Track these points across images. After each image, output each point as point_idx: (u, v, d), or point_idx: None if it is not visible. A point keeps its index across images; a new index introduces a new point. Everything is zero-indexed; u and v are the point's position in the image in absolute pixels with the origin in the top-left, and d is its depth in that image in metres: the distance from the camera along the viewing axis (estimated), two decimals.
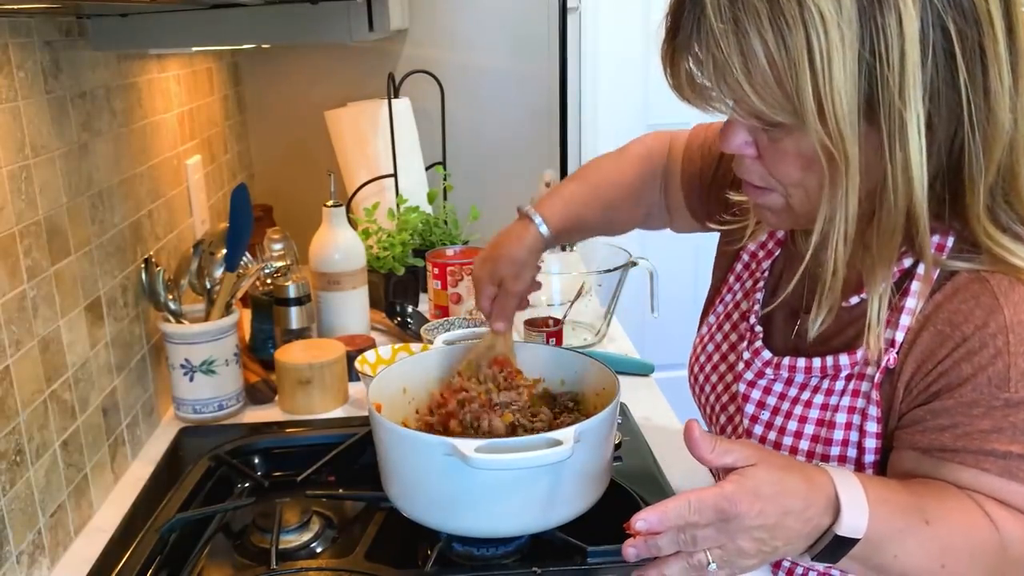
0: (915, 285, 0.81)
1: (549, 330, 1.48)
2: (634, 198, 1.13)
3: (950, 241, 0.80)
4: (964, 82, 0.72)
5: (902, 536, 0.74)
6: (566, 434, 0.84)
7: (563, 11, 1.98)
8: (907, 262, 0.81)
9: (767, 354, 0.93)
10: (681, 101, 0.79)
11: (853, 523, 0.72)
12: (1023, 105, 0.75)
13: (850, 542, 0.73)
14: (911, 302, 0.81)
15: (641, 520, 0.72)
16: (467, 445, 0.83)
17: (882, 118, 0.71)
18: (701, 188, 1.08)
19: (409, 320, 1.65)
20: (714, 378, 1.02)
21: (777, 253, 0.99)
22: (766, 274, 0.99)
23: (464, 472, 0.84)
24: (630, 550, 0.74)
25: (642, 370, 1.47)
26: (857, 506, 0.73)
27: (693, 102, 0.78)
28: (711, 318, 1.06)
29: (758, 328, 0.96)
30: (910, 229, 0.76)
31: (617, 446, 1.14)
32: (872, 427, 0.83)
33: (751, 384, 0.93)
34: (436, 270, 1.64)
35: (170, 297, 1.27)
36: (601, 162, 1.16)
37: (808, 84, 0.69)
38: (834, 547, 0.73)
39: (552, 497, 0.89)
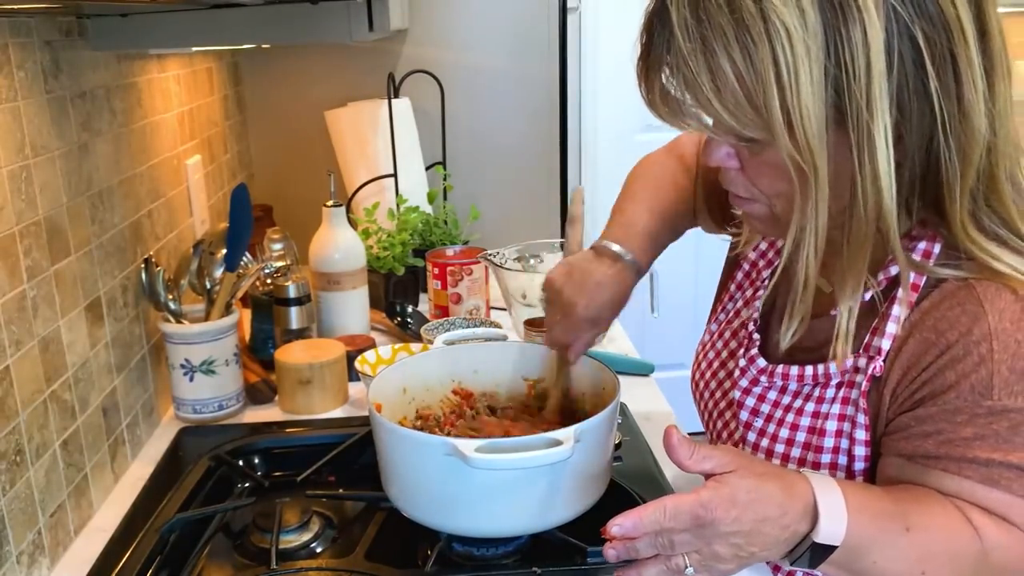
0: (901, 292, 0.80)
1: None
2: (689, 207, 1.10)
3: (937, 248, 0.80)
4: (935, 90, 0.71)
5: (881, 543, 0.75)
6: (566, 434, 0.84)
7: (563, 11, 1.98)
8: (894, 270, 0.81)
9: (762, 362, 0.93)
10: (657, 119, 0.80)
11: (831, 530, 0.73)
12: (1000, 110, 0.75)
13: (828, 549, 0.73)
14: (897, 310, 0.80)
15: (617, 526, 0.73)
16: (467, 445, 0.83)
17: (850, 130, 0.71)
18: (717, 191, 1.07)
19: (409, 320, 1.65)
20: (713, 384, 1.02)
21: (777, 262, 0.99)
22: (766, 283, 0.99)
23: (464, 472, 0.84)
24: (610, 551, 0.75)
25: (642, 370, 1.47)
26: (836, 513, 0.73)
27: (668, 119, 0.79)
28: (713, 325, 1.06)
29: (756, 336, 0.96)
30: (882, 239, 0.76)
31: (617, 446, 1.14)
32: (861, 435, 0.83)
33: (746, 391, 0.94)
34: (436, 270, 1.64)
35: (170, 297, 1.27)
36: (654, 177, 1.10)
37: (776, 99, 0.70)
38: (812, 553, 0.74)
39: (552, 497, 0.89)
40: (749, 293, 1.01)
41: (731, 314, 1.03)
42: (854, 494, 0.75)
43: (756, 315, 0.97)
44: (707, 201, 1.10)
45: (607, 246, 1.01)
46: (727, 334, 1.03)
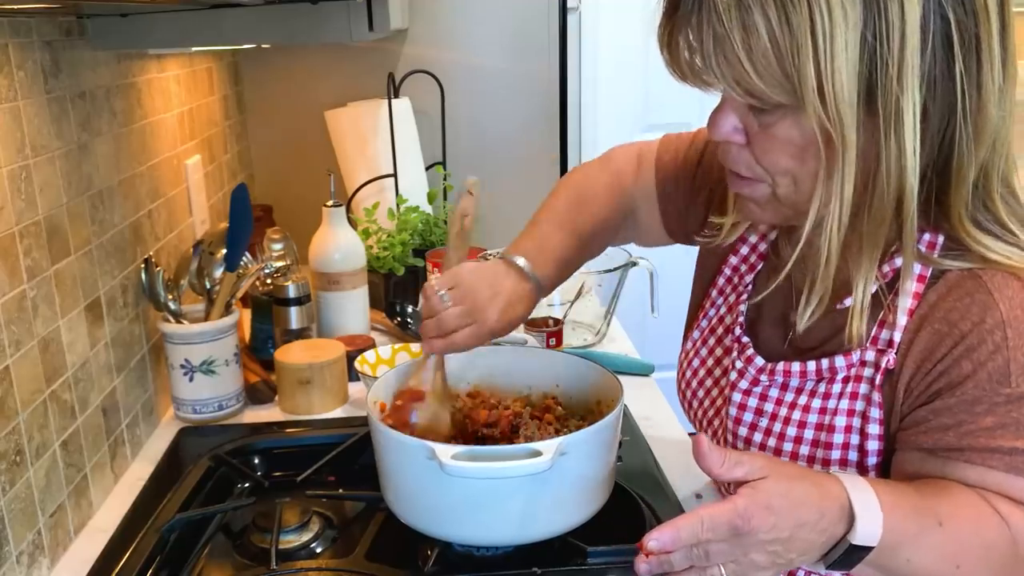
0: (909, 284, 0.80)
1: (549, 330, 1.48)
2: (612, 230, 1.08)
3: (940, 239, 0.80)
4: (960, 73, 0.72)
5: (916, 540, 0.74)
6: (548, 446, 0.83)
7: (563, 11, 1.97)
8: (898, 261, 0.81)
9: (760, 361, 0.92)
10: (677, 81, 0.78)
11: (868, 531, 0.72)
12: (1009, 103, 0.76)
13: (865, 550, 0.73)
14: (904, 301, 0.80)
15: (654, 540, 0.72)
16: (445, 451, 0.82)
17: (879, 104, 0.71)
18: (679, 204, 1.05)
19: (409, 320, 1.65)
20: (700, 393, 1.01)
21: (760, 267, 0.98)
22: (749, 287, 0.98)
23: (446, 477, 0.83)
24: (643, 566, 0.74)
25: (642, 370, 1.47)
26: (871, 513, 0.73)
27: (689, 81, 0.78)
28: (695, 333, 1.04)
29: (745, 339, 0.95)
30: (898, 220, 0.76)
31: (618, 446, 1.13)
32: (874, 429, 0.83)
33: (746, 392, 0.92)
34: (436, 270, 1.64)
35: (170, 297, 1.27)
36: (579, 197, 1.06)
37: (810, 63, 0.69)
38: (848, 555, 0.73)
39: (542, 508, 0.88)
40: (732, 299, 1.00)
41: (714, 320, 1.02)
42: (885, 492, 0.75)
43: (741, 319, 0.96)
44: (665, 215, 1.07)
45: (516, 261, 0.97)
46: (711, 341, 1.01)
